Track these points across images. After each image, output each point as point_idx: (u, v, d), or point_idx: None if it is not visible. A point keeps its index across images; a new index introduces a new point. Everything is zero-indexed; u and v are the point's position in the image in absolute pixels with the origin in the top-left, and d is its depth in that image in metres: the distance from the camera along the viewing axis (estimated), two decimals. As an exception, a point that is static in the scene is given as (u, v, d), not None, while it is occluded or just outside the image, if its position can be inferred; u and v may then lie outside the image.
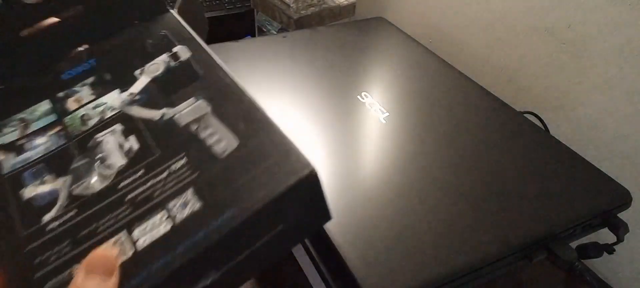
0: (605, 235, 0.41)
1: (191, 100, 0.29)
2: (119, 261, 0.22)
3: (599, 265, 0.54)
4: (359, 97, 0.50)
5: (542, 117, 0.55)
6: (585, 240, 0.41)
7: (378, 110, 0.48)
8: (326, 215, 0.28)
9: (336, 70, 0.54)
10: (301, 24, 0.74)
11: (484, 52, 0.67)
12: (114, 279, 0.22)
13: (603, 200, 0.40)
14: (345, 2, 0.78)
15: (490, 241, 0.35)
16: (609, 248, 0.41)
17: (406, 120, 0.47)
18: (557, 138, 0.47)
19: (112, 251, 0.22)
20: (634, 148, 0.51)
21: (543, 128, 0.53)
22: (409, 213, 0.37)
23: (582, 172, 0.43)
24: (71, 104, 0.30)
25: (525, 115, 0.51)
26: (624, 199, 0.41)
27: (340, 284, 0.34)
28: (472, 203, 0.38)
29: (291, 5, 0.75)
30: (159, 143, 0.27)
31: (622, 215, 0.41)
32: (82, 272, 0.21)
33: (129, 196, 0.24)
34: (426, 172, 0.41)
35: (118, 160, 0.26)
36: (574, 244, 0.39)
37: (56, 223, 0.24)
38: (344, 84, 0.52)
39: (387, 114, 0.48)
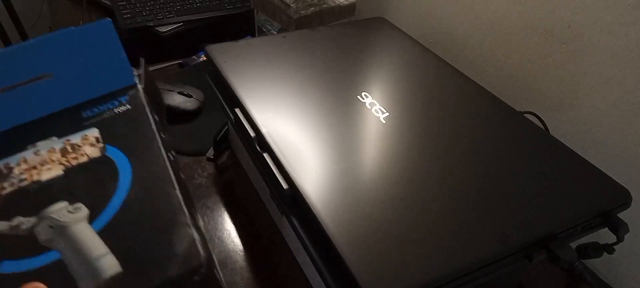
0: (605, 235, 0.41)
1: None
2: None
3: (599, 265, 0.54)
4: (359, 97, 0.50)
5: (542, 117, 0.55)
6: (585, 240, 0.41)
7: (378, 110, 0.48)
8: None
9: (336, 70, 0.54)
10: (301, 24, 0.74)
11: (484, 52, 0.67)
12: None
13: (603, 200, 0.40)
14: (345, 2, 0.78)
15: (490, 241, 0.35)
16: (609, 248, 0.41)
17: (406, 120, 0.47)
18: (557, 138, 0.47)
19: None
20: (633, 148, 0.51)
21: (543, 128, 0.53)
22: (409, 213, 0.37)
23: (582, 172, 0.43)
24: None
25: (525, 115, 0.51)
26: (624, 199, 0.41)
27: (340, 284, 0.34)
28: (472, 203, 0.38)
29: (291, 5, 0.75)
30: None
31: (622, 215, 0.41)
32: None
33: None
34: (426, 172, 0.41)
35: None
36: (574, 244, 0.39)
37: None
38: (344, 84, 0.52)
39: (387, 114, 0.48)
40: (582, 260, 0.41)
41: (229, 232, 0.51)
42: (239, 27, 0.95)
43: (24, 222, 0.28)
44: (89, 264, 0.26)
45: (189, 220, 0.29)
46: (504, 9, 0.62)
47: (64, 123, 0.35)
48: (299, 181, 0.39)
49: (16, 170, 0.31)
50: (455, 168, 0.41)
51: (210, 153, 0.63)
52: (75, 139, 0.34)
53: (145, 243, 0.27)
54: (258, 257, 0.48)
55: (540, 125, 0.53)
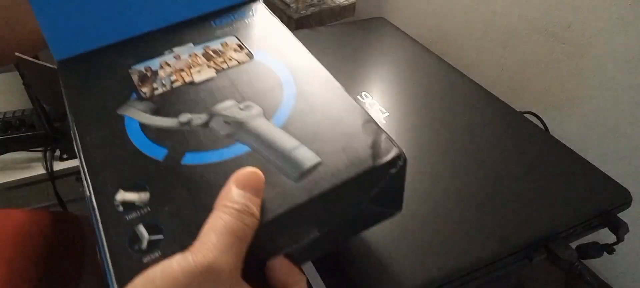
0: (605, 235, 0.41)
1: None
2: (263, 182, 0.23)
3: (599, 265, 0.54)
4: (359, 97, 0.50)
5: (542, 117, 0.55)
6: (585, 240, 0.41)
7: (378, 110, 0.48)
8: (399, 205, 0.30)
9: (336, 70, 0.54)
10: (301, 24, 0.74)
11: (484, 52, 0.67)
12: (259, 200, 0.23)
13: (603, 200, 0.40)
14: (345, 2, 0.78)
15: (490, 241, 0.35)
16: (609, 248, 0.41)
17: (406, 120, 0.47)
18: (557, 138, 0.47)
19: (260, 173, 0.24)
20: (633, 148, 0.51)
21: (543, 128, 0.53)
22: (408, 213, 0.37)
23: (582, 172, 0.43)
24: None
25: (525, 115, 0.51)
26: (624, 199, 0.41)
27: (340, 285, 0.34)
28: (472, 203, 0.38)
29: (291, 5, 0.75)
30: None
31: (622, 215, 0.41)
32: (233, 185, 0.22)
33: None
34: (426, 172, 0.41)
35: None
36: (574, 244, 0.39)
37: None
38: (343, 84, 0.52)
39: (387, 114, 0.48)
40: (582, 260, 0.41)
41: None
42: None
43: (193, 118, 0.28)
44: (285, 156, 0.25)
45: (373, 120, 0.28)
46: (504, 9, 0.62)
47: (195, 31, 0.34)
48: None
49: (161, 73, 0.31)
50: (455, 168, 0.41)
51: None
52: (215, 45, 0.33)
53: (333, 140, 0.26)
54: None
55: (540, 125, 0.53)
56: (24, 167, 0.70)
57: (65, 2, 0.31)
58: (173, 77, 0.31)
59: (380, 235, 0.35)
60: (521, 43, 0.61)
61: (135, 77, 0.31)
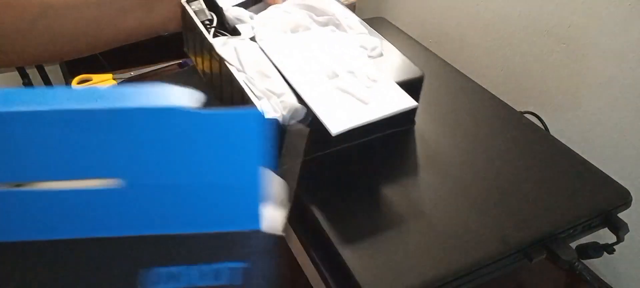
0: (605, 235, 0.41)
1: None
2: None
3: (599, 265, 0.54)
4: (359, 97, 0.50)
5: (542, 117, 0.55)
6: (585, 240, 0.41)
7: (378, 110, 0.48)
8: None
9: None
10: (301, 24, 0.73)
11: (484, 52, 0.67)
12: None
13: (603, 200, 0.40)
14: (345, 2, 0.78)
15: (490, 241, 0.35)
16: (609, 248, 0.41)
17: (406, 120, 0.47)
18: (557, 138, 0.47)
19: None
20: (633, 148, 0.50)
21: (543, 128, 0.53)
22: (408, 213, 0.37)
23: (582, 172, 0.43)
24: None
25: (525, 115, 0.51)
26: (624, 199, 0.41)
27: (340, 284, 0.34)
28: (471, 203, 0.38)
29: (291, 5, 0.75)
30: None
31: (622, 215, 0.40)
32: None
33: None
34: (426, 172, 0.41)
35: None
36: (574, 244, 0.39)
37: None
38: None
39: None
40: (582, 260, 0.41)
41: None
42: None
43: None
44: None
45: None
46: (504, 9, 0.62)
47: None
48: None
49: None
50: (455, 168, 0.41)
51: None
52: None
53: None
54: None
55: (540, 125, 0.53)
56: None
57: None
58: None
59: (380, 235, 0.35)
60: (521, 43, 0.61)
61: None
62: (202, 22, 0.44)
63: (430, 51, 0.60)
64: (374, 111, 0.37)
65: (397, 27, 0.66)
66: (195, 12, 0.45)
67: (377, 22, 0.67)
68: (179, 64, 0.82)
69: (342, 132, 0.35)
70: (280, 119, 0.36)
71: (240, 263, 0.19)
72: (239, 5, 0.47)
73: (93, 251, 0.19)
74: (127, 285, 0.19)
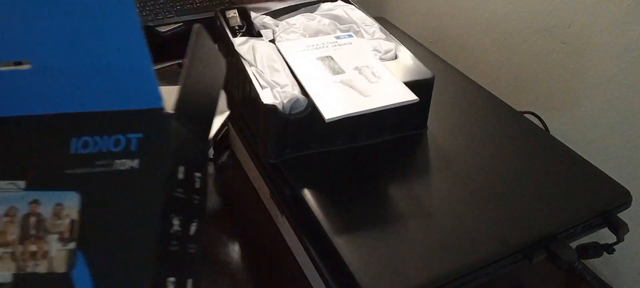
0: (605, 235, 0.41)
1: None
2: None
3: (599, 265, 0.54)
4: (359, 97, 0.50)
5: (542, 117, 0.55)
6: (585, 240, 0.41)
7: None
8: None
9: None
10: (301, 24, 0.73)
11: (484, 52, 0.67)
12: None
13: (603, 200, 0.40)
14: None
15: (490, 241, 0.35)
16: (609, 248, 0.41)
17: (406, 120, 0.47)
18: (557, 138, 0.47)
19: None
20: (633, 148, 0.50)
21: (543, 128, 0.53)
22: (409, 213, 0.37)
23: (582, 172, 0.43)
24: None
25: (525, 115, 0.51)
26: (624, 199, 0.41)
27: (340, 284, 0.34)
28: (472, 203, 0.38)
29: (291, 5, 0.75)
30: None
31: (622, 215, 0.40)
32: None
33: None
34: (426, 172, 0.41)
35: None
36: (574, 244, 0.39)
37: None
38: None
39: (387, 114, 0.48)
40: (582, 260, 0.41)
41: (229, 232, 0.51)
42: (239, 27, 0.95)
43: None
44: None
45: None
46: (504, 9, 0.62)
47: (43, 150, 0.24)
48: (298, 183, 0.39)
49: None
50: (455, 168, 0.41)
51: (210, 153, 0.63)
52: (47, 206, 0.23)
53: None
54: (258, 258, 0.48)
55: (540, 125, 0.53)
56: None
57: None
58: None
59: (380, 235, 0.35)
60: (521, 43, 0.61)
61: None
62: (232, 27, 0.49)
63: (431, 51, 0.60)
64: (371, 102, 0.38)
65: (398, 27, 0.66)
66: (227, 19, 0.49)
67: (377, 22, 0.67)
68: (179, 64, 0.82)
69: (336, 118, 0.36)
70: (280, 107, 0.38)
71: (139, 134, 0.24)
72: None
73: (26, 127, 0.24)
74: (61, 150, 0.23)
